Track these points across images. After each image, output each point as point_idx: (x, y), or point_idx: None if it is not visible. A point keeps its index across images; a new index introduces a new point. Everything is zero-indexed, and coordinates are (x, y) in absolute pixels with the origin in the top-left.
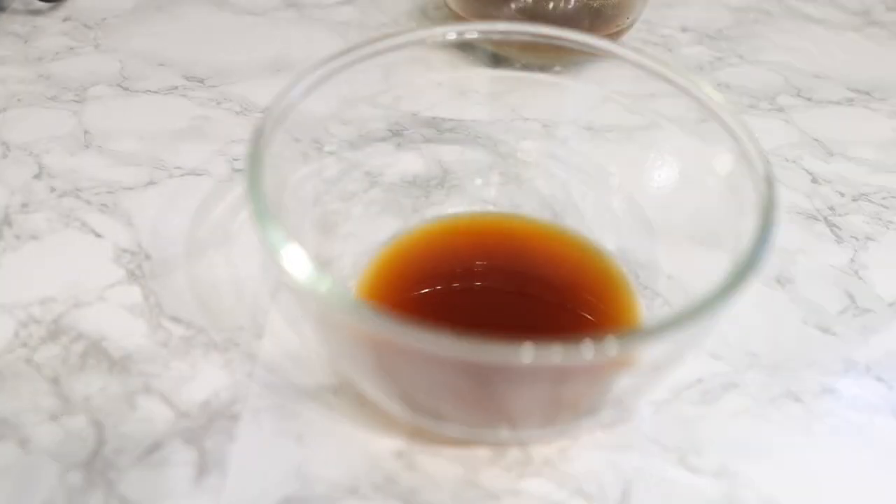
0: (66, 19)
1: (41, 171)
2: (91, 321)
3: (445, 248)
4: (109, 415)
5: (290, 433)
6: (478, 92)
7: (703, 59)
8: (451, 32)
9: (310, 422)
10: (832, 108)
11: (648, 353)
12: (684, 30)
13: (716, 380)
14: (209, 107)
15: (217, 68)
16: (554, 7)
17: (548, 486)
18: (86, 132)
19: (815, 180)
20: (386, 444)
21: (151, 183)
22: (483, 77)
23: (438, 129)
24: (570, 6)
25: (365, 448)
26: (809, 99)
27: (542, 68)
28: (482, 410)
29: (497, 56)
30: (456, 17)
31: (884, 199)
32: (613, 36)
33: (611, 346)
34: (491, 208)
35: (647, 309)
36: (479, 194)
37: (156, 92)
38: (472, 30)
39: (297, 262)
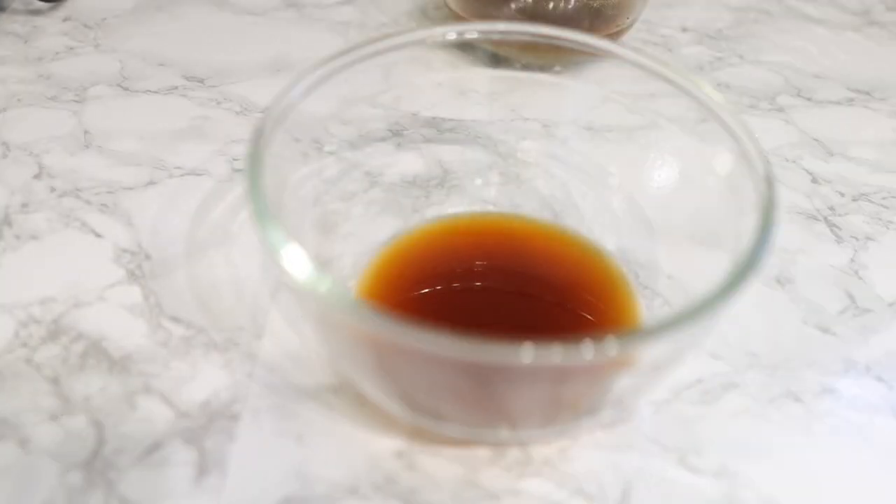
0: (66, 19)
1: (41, 171)
2: (91, 321)
3: (445, 248)
4: (109, 415)
5: (290, 433)
6: (478, 92)
7: (703, 59)
8: (451, 32)
9: (310, 422)
10: (832, 108)
11: (648, 353)
12: (684, 30)
13: (716, 380)
14: (209, 107)
15: (217, 68)
16: (554, 7)
17: (548, 486)
18: (86, 132)
19: (815, 180)
20: (386, 444)
21: (151, 183)
22: (483, 77)
23: (438, 129)
24: (570, 6)
25: (365, 448)
26: (809, 99)
27: (542, 68)
28: (482, 410)
29: (497, 56)
30: (456, 17)
31: (884, 199)
32: (613, 36)
33: (611, 346)
34: (491, 208)
35: (647, 309)
36: (479, 194)
37: (156, 92)
38: (472, 30)
39: (297, 262)
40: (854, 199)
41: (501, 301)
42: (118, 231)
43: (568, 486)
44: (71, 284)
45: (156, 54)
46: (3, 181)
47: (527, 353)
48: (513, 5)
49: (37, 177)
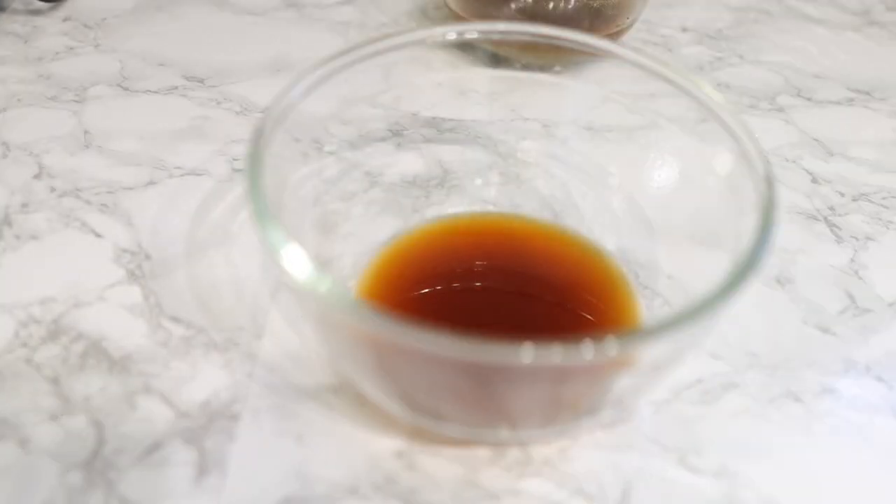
0: (66, 19)
1: (41, 171)
2: (91, 321)
3: (445, 248)
4: (109, 415)
5: (290, 433)
6: (478, 92)
7: (703, 59)
8: (451, 32)
9: (310, 422)
10: (832, 108)
11: (648, 353)
12: (684, 30)
13: (716, 380)
14: (209, 107)
15: (217, 68)
16: (554, 7)
17: (548, 486)
18: (86, 132)
19: (815, 180)
20: (386, 444)
21: (151, 183)
22: (483, 77)
23: (438, 129)
24: (570, 6)
25: (365, 448)
26: (809, 99)
27: (542, 68)
28: (482, 410)
29: (497, 56)
30: (456, 17)
31: (884, 199)
32: (613, 36)
33: (611, 346)
34: (491, 208)
35: (647, 309)
36: (479, 194)
37: (156, 92)
38: (472, 30)
39: (297, 262)
40: (854, 199)
41: (501, 301)
42: (118, 231)
43: (568, 486)
44: (71, 284)
45: (156, 54)
46: (3, 181)
47: (527, 353)
48: (513, 5)
49: (37, 177)
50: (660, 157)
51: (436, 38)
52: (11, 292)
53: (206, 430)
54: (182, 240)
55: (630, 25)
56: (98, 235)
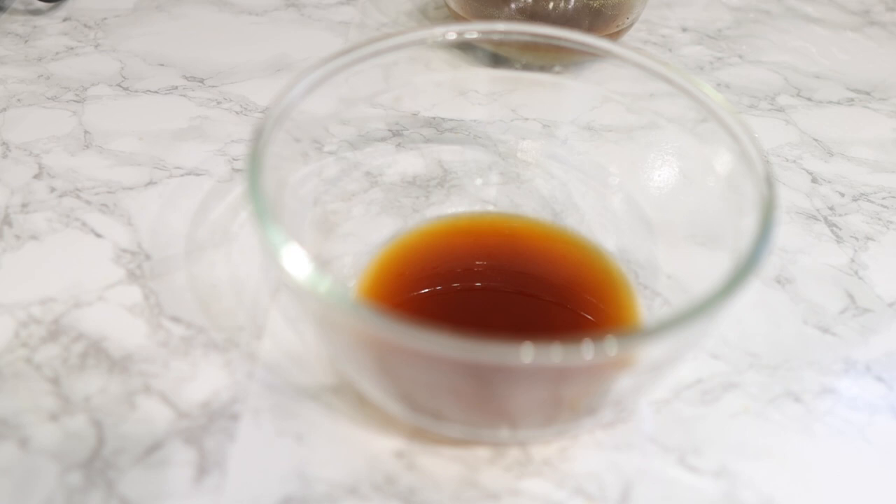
0: (66, 19)
1: (41, 171)
2: (91, 321)
3: (445, 248)
4: (109, 415)
5: (290, 433)
6: (478, 92)
7: (703, 59)
8: (451, 32)
9: (310, 422)
10: (832, 108)
11: (648, 353)
12: (684, 30)
13: (716, 380)
14: (209, 107)
15: (217, 68)
16: (554, 7)
17: (548, 486)
18: (86, 132)
19: (815, 180)
20: (386, 444)
21: (151, 183)
22: (483, 77)
23: (438, 129)
24: (570, 6)
25: (365, 448)
26: (809, 99)
27: (542, 68)
28: (482, 410)
29: (497, 56)
30: (456, 17)
31: (884, 199)
32: (613, 36)
33: (611, 346)
34: (491, 208)
35: (647, 309)
36: (479, 194)
37: (156, 92)
38: (472, 30)
39: (297, 262)
40: (854, 199)
41: (501, 301)
42: (118, 231)
43: (568, 486)
44: (71, 284)
45: (156, 54)
46: (3, 181)
47: (527, 353)
48: (513, 5)
49: (37, 177)
50: (660, 157)
51: (436, 38)
52: (11, 292)
53: (206, 430)
54: (182, 240)
55: (630, 25)
56: (98, 235)
